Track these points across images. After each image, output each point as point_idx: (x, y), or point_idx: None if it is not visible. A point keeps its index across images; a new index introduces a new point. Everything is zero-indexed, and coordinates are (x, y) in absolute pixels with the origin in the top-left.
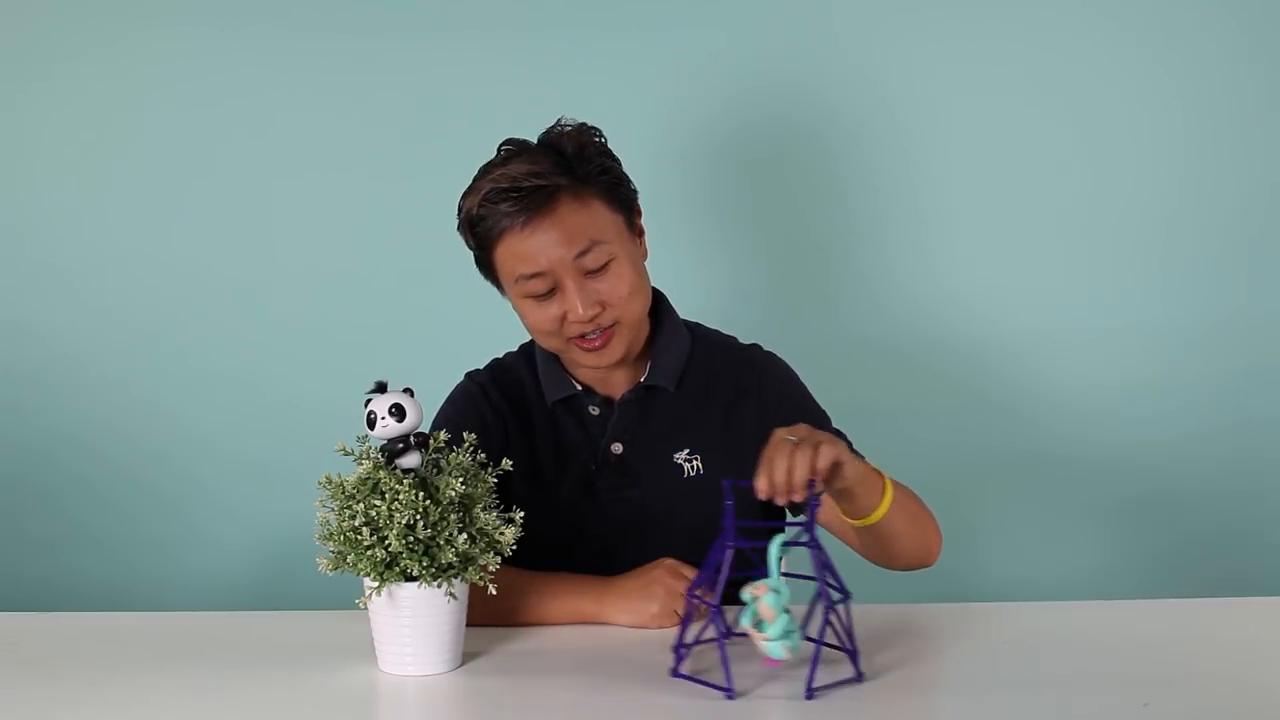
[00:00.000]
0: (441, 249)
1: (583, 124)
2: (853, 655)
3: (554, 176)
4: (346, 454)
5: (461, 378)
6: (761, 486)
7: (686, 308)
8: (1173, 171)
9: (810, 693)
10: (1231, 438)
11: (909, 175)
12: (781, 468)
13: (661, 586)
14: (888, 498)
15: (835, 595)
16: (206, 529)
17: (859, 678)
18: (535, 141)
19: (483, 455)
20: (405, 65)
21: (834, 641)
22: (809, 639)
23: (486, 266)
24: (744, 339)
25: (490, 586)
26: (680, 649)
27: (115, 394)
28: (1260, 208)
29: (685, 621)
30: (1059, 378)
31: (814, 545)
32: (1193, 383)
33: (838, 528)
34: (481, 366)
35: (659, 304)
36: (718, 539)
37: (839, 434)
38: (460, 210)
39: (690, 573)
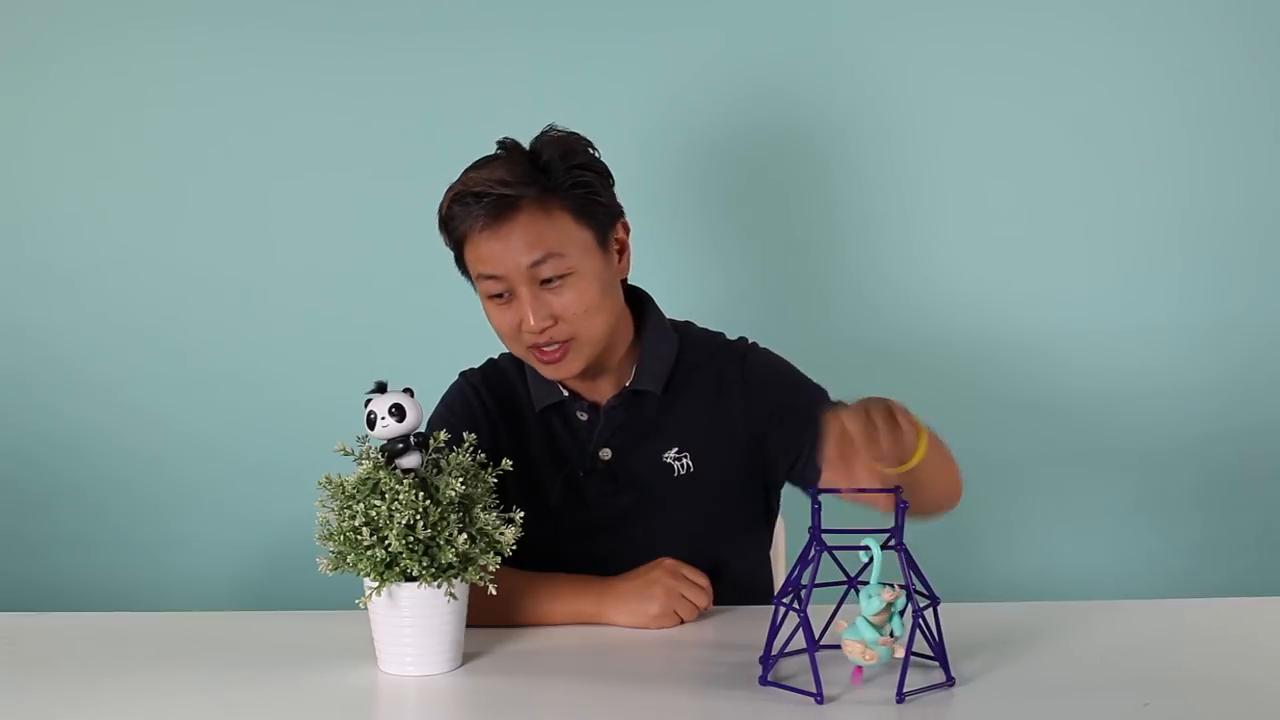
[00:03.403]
0: (441, 249)
1: (572, 133)
2: (943, 659)
3: (521, 186)
4: (346, 454)
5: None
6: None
7: (680, 309)
8: (1175, 171)
9: (901, 696)
10: (1233, 438)
11: (907, 176)
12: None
13: (661, 587)
14: (923, 443)
15: (923, 600)
16: (207, 529)
17: (950, 682)
18: (525, 145)
19: (482, 456)
20: (405, 65)
21: (923, 643)
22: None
23: (461, 264)
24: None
25: (490, 587)
26: (768, 659)
27: (115, 394)
28: (1264, 207)
29: (772, 630)
30: (1060, 378)
31: (902, 548)
32: (1194, 383)
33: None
34: (478, 365)
35: (644, 307)
36: (805, 544)
37: (828, 396)
38: (439, 208)
39: (690, 572)
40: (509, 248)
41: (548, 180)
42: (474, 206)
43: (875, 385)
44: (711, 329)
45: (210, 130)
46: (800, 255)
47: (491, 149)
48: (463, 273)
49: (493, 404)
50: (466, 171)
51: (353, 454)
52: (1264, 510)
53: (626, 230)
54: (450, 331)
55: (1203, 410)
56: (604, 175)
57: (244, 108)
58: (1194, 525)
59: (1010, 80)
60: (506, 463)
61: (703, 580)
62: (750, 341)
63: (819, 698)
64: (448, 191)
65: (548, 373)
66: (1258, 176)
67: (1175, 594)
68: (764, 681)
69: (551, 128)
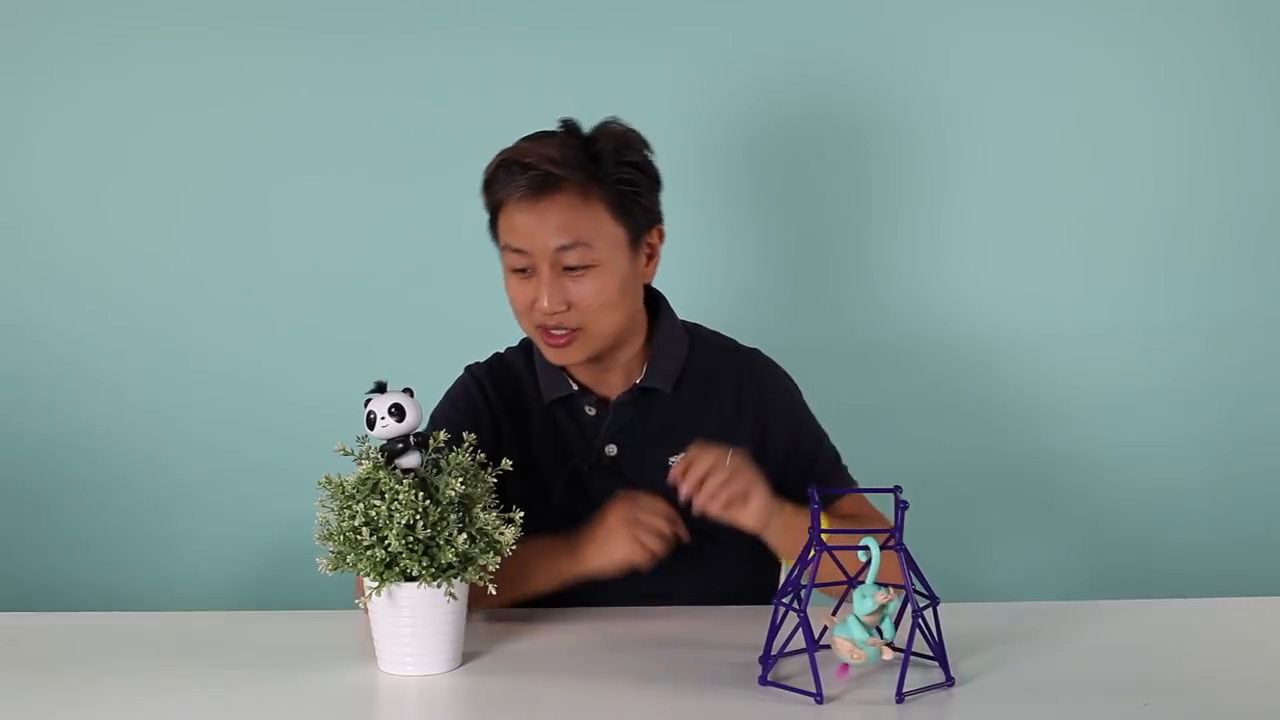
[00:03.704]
0: (441, 249)
1: (631, 130)
2: (943, 659)
3: (568, 169)
4: (346, 454)
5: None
6: (676, 473)
7: (690, 305)
8: (1176, 173)
9: (901, 696)
10: (1233, 438)
11: (912, 176)
12: (697, 475)
13: (618, 521)
14: (787, 563)
15: (923, 600)
16: (206, 528)
17: (950, 682)
18: (584, 129)
19: (482, 455)
20: (405, 65)
21: (923, 643)
22: (894, 647)
23: (491, 228)
24: (746, 336)
25: (490, 587)
26: (768, 659)
27: (115, 394)
28: (1264, 209)
29: (772, 629)
30: (1061, 378)
31: (902, 548)
32: (1195, 383)
33: None
34: (483, 360)
35: (657, 305)
36: (805, 544)
37: (833, 453)
38: (486, 169)
39: (644, 501)
40: (541, 225)
41: (595, 169)
42: (518, 176)
43: (882, 384)
44: (722, 328)
45: (210, 130)
46: (809, 253)
47: (492, 149)
48: (493, 239)
49: (497, 399)
50: (521, 140)
51: (353, 454)
52: (1264, 510)
53: (661, 237)
54: (450, 331)
55: (1204, 410)
56: (652, 178)
57: (244, 107)
58: (1194, 525)
59: (1016, 82)
60: (506, 463)
61: (657, 505)
62: (767, 359)
63: (819, 698)
64: (498, 155)
65: (550, 355)
66: (1260, 177)
67: (1175, 594)
68: (764, 681)
69: (614, 120)
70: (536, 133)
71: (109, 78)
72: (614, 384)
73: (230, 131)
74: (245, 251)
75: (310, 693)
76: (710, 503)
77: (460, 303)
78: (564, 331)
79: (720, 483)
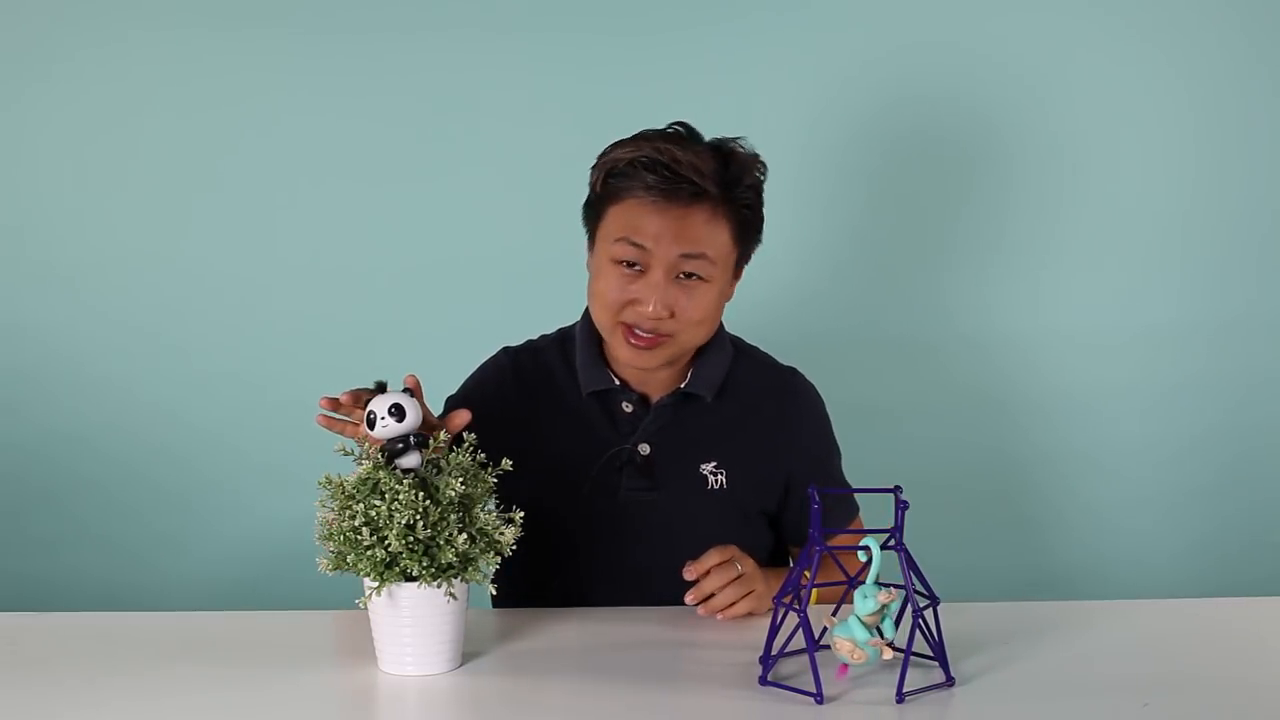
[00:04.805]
0: (443, 249)
1: (756, 154)
2: (943, 659)
3: (709, 183)
4: (346, 454)
5: (467, 371)
6: (689, 574)
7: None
8: (1181, 173)
9: (901, 696)
10: (1235, 438)
11: (913, 179)
12: (712, 586)
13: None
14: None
15: (923, 600)
16: (207, 529)
17: (950, 682)
18: (708, 140)
19: (482, 456)
20: (407, 66)
21: (923, 643)
22: (894, 648)
23: (594, 212)
24: (746, 335)
25: (490, 587)
26: (768, 658)
27: (116, 394)
28: (1268, 209)
29: (772, 629)
30: (1062, 377)
31: (902, 548)
32: (1197, 383)
33: None
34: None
35: None
36: (805, 545)
37: (843, 482)
38: (605, 153)
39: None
40: (669, 229)
41: (729, 190)
42: (655, 177)
43: (882, 384)
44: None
45: (212, 130)
46: (811, 252)
47: (494, 150)
48: (588, 221)
49: (518, 386)
50: (660, 139)
51: (353, 454)
52: (1264, 510)
53: (747, 260)
54: (451, 332)
55: (1206, 410)
56: (763, 206)
57: (246, 109)
58: (1194, 525)
59: (1020, 78)
60: (506, 463)
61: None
62: (808, 382)
63: (819, 698)
64: (627, 146)
65: (626, 353)
66: (1262, 177)
67: (1176, 594)
68: (764, 681)
69: (742, 140)
70: (673, 134)
71: (111, 79)
72: (656, 384)
73: (232, 132)
74: (247, 251)
75: (310, 693)
76: (719, 614)
77: (462, 303)
78: (653, 335)
79: (728, 597)
